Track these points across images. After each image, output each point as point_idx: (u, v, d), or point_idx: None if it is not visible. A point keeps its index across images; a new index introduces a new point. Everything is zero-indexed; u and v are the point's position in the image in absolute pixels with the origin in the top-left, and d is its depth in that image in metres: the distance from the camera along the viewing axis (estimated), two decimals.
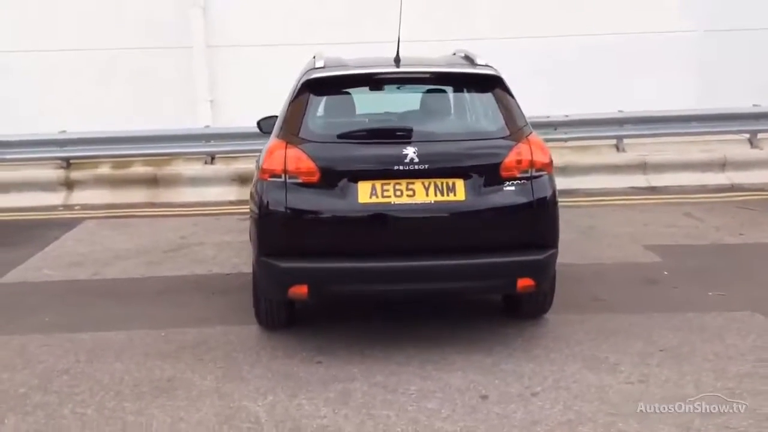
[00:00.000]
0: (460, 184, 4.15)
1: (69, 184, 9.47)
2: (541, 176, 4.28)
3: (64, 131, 9.62)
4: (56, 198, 9.36)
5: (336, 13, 10.53)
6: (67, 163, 9.67)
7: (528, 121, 5.30)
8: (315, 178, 4.14)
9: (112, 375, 4.18)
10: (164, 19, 10.69)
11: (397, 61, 4.74)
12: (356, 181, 4.12)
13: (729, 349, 4.35)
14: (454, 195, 4.13)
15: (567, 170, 9.58)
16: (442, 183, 4.13)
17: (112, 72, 10.61)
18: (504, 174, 4.20)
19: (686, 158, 9.76)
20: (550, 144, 9.87)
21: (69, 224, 8.17)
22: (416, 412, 3.68)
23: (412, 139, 4.21)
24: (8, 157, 9.57)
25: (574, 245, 6.84)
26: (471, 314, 5.02)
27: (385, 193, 4.11)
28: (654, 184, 9.52)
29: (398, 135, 4.29)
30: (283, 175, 4.17)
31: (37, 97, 10.52)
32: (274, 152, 4.25)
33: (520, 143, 4.26)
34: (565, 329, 4.73)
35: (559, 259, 6.27)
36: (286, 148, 4.21)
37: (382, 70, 4.59)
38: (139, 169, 9.48)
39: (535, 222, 4.29)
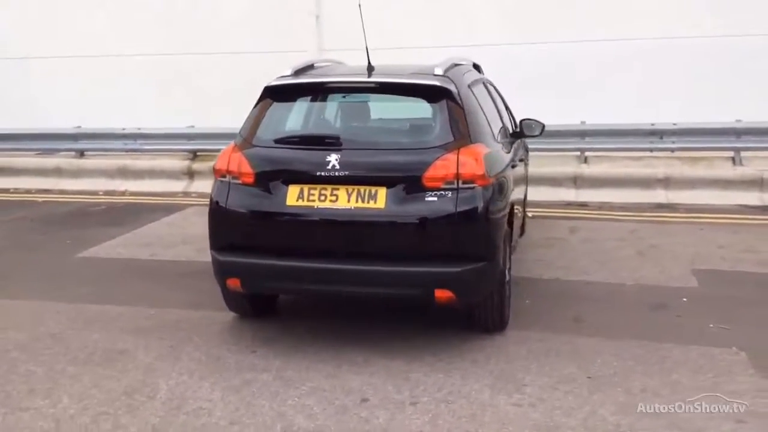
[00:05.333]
0: (382, 192, 4.25)
1: (191, 174, 10.56)
2: (468, 189, 4.23)
3: (192, 126, 10.72)
4: (179, 185, 10.51)
5: (444, 16, 10.67)
6: (194, 155, 10.76)
7: (540, 127, 5.23)
8: (251, 180, 4.46)
9: (82, 342, 4.80)
10: (279, 25, 11.60)
11: (369, 70, 4.92)
12: (287, 185, 4.39)
13: (664, 386, 4.03)
14: (375, 203, 4.24)
15: (669, 183, 9.00)
16: (364, 190, 4.26)
17: (232, 73, 11.61)
18: (427, 185, 4.22)
19: None
20: (655, 153, 9.44)
21: (174, 209, 9.17)
22: (290, 407, 3.87)
23: (341, 147, 4.39)
24: (146, 147, 10.88)
25: (616, 263, 6.52)
26: (435, 322, 5.00)
27: (311, 197, 4.32)
28: None
29: (327, 142, 4.47)
30: (227, 176, 4.55)
31: (163, 94, 11.82)
32: (224, 155, 4.65)
33: (448, 154, 4.25)
34: (512, 347, 4.62)
35: (582, 277, 6.11)
36: (231, 151, 4.59)
37: (331, 79, 4.80)
38: None
39: (458, 235, 4.25)
